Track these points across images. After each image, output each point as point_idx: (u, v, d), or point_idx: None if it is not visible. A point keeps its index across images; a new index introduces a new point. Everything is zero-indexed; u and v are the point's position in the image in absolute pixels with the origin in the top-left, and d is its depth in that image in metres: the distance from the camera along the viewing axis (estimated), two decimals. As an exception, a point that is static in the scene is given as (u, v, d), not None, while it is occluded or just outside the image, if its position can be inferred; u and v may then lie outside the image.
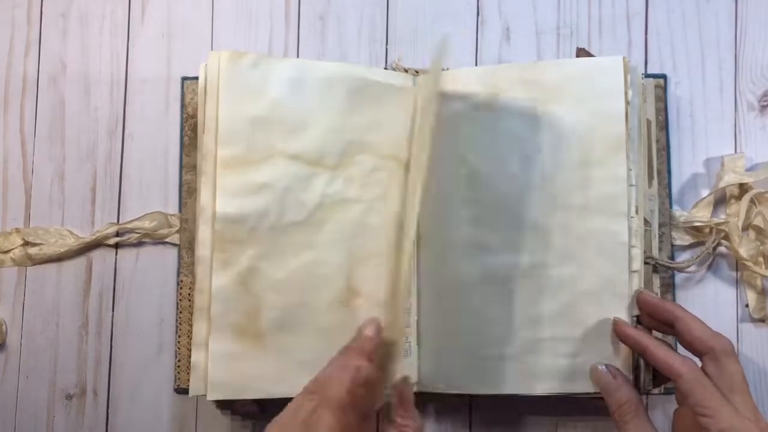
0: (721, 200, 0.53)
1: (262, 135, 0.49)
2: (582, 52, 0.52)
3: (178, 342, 0.53)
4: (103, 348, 0.55)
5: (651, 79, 0.53)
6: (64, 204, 0.56)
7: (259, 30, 0.57)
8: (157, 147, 0.56)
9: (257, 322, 0.48)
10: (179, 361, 0.53)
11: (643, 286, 0.47)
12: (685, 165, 0.54)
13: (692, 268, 0.52)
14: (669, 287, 0.52)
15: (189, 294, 0.53)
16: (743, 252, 0.51)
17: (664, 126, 0.53)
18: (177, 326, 0.53)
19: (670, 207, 0.52)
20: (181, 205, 0.54)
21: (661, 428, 0.49)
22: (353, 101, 0.50)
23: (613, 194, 0.47)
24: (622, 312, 0.46)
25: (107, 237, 0.55)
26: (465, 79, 0.50)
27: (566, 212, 0.48)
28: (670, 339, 0.49)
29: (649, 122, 0.51)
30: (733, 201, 0.53)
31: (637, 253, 0.47)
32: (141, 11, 0.58)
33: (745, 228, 0.52)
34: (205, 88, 0.49)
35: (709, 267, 0.53)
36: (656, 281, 0.51)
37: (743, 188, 0.52)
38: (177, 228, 0.55)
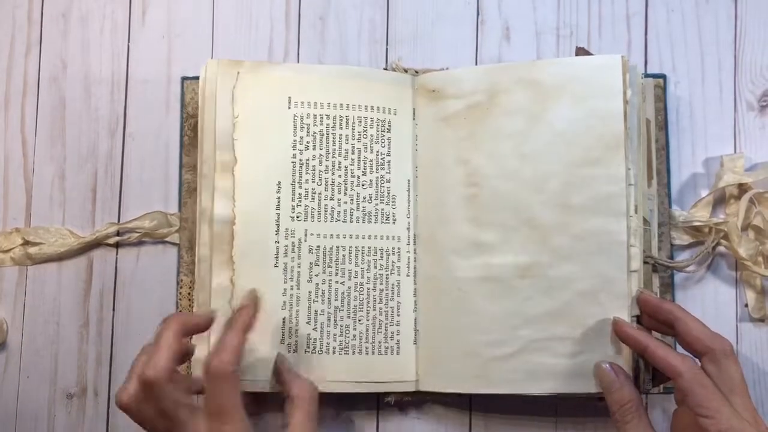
0: (720, 200, 0.53)
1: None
2: (581, 52, 0.52)
3: (178, 341, 0.53)
4: (103, 347, 0.55)
5: (650, 79, 0.53)
6: (65, 203, 0.56)
7: (259, 30, 0.57)
8: (157, 147, 0.56)
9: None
10: (179, 360, 0.53)
11: (642, 285, 0.47)
12: (685, 165, 0.54)
13: (691, 268, 0.52)
14: (668, 287, 0.52)
15: (189, 293, 0.53)
16: (742, 252, 0.51)
17: (663, 126, 0.53)
18: (177, 326, 0.53)
19: (670, 207, 0.52)
20: (181, 204, 0.54)
21: (660, 428, 0.49)
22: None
23: (611, 193, 0.47)
24: (622, 311, 0.47)
25: (107, 236, 0.55)
26: (465, 78, 0.50)
27: (565, 211, 0.48)
28: (668, 339, 0.49)
29: (648, 122, 0.51)
30: (732, 201, 0.53)
31: (637, 253, 0.47)
32: (141, 11, 0.58)
33: (745, 228, 0.52)
34: (204, 93, 0.50)
35: (709, 267, 0.53)
36: (655, 281, 0.51)
37: (742, 188, 0.52)
38: (177, 227, 0.55)
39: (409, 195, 0.51)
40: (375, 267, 0.50)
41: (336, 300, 0.50)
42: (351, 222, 0.50)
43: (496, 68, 0.50)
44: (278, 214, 0.50)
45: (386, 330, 0.50)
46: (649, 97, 0.52)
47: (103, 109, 0.57)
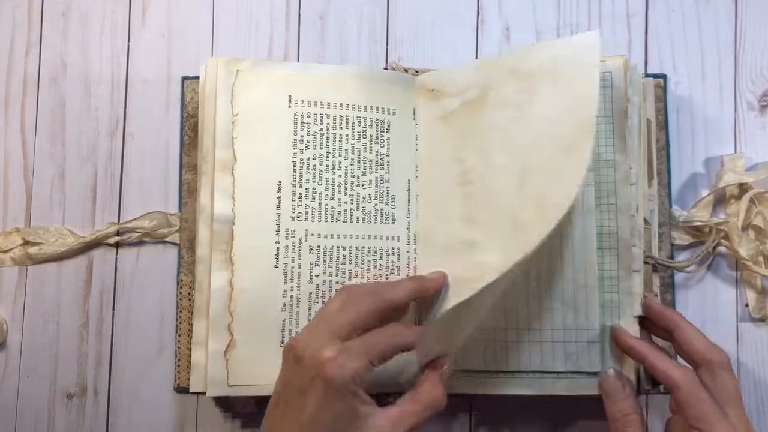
0: (720, 200, 0.53)
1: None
2: (582, 52, 0.52)
3: (178, 341, 0.53)
4: (103, 347, 0.55)
5: (651, 79, 0.53)
6: (65, 203, 0.56)
7: (259, 30, 0.57)
8: (157, 147, 0.56)
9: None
10: (179, 360, 0.53)
11: (642, 285, 0.47)
12: (685, 165, 0.54)
13: (692, 268, 0.52)
14: (669, 287, 0.52)
15: (189, 293, 0.53)
16: (743, 252, 0.51)
17: (663, 126, 0.53)
18: (177, 326, 0.53)
19: (670, 207, 0.52)
20: (181, 204, 0.54)
21: (658, 428, 0.49)
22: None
23: (581, 184, 0.43)
24: (624, 312, 0.47)
25: (107, 236, 0.55)
26: (459, 75, 0.50)
27: (543, 208, 0.47)
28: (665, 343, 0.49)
29: (649, 122, 0.51)
30: (732, 201, 0.53)
31: (638, 253, 0.47)
32: (141, 11, 0.58)
33: (745, 228, 0.52)
34: (204, 91, 0.50)
35: (709, 267, 0.53)
36: (656, 281, 0.51)
37: (743, 188, 0.52)
38: (177, 227, 0.55)
39: (409, 195, 0.51)
40: (375, 267, 0.50)
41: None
42: (351, 222, 0.50)
43: (487, 63, 0.50)
44: (278, 214, 0.49)
45: None
46: (649, 97, 0.52)
47: (103, 109, 0.57)
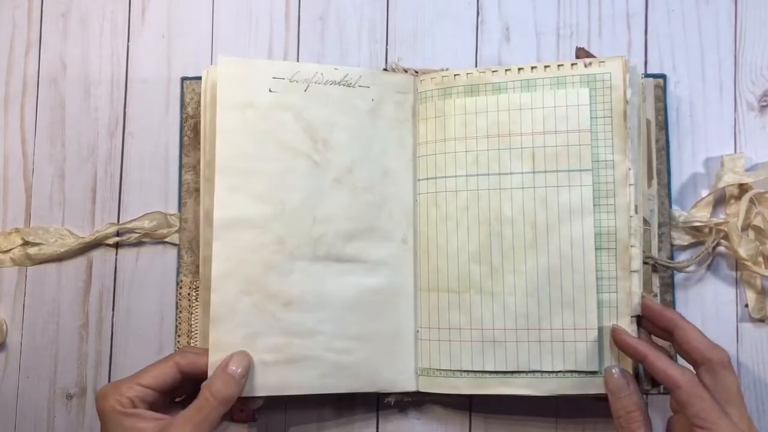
0: (720, 200, 0.53)
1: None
2: (582, 52, 0.52)
3: (178, 341, 0.53)
4: (103, 348, 0.55)
5: (651, 79, 0.53)
6: (65, 204, 0.56)
7: (259, 30, 0.57)
8: (157, 147, 0.56)
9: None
10: (179, 360, 0.53)
11: (642, 285, 0.47)
12: (685, 165, 0.54)
13: (692, 268, 0.52)
14: (668, 287, 0.52)
15: (189, 293, 0.53)
16: (743, 252, 0.51)
17: (663, 126, 0.53)
18: (177, 326, 0.53)
19: (670, 207, 0.52)
20: (181, 204, 0.54)
21: (660, 427, 0.49)
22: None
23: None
24: (622, 311, 0.47)
25: (107, 237, 0.55)
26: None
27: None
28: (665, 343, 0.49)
29: (648, 122, 0.51)
30: (732, 201, 0.53)
31: (637, 253, 0.47)
32: (141, 11, 0.58)
33: (745, 228, 0.52)
34: (206, 97, 0.50)
35: (709, 267, 0.53)
36: (656, 281, 0.51)
37: (743, 188, 0.52)
38: (177, 228, 0.55)
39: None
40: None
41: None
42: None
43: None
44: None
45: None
46: (649, 97, 0.52)
47: (103, 109, 0.57)
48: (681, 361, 0.45)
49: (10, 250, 0.56)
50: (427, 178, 0.51)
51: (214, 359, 0.46)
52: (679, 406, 0.42)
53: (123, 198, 0.56)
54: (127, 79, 0.57)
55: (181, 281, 0.53)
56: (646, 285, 0.49)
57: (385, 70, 0.54)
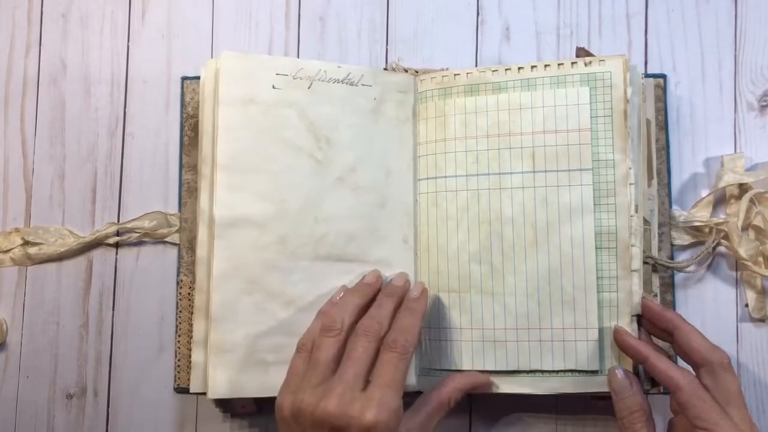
0: (720, 200, 0.53)
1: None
2: (582, 52, 0.52)
3: (178, 341, 0.53)
4: (103, 347, 0.55)
5: (651, 79, 0.53)
6: (65, 203, 0.56)
7: (259, 30, 0.57)
8: (157, 147, 0.56)
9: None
10: (179, 360, 0.53)
11: (642, 285, 0.47)
12: (685, 165, 0.54)
13: (692, 268, 0.52)
14: (668, 287, 0.52)
15: (189, 293, 0.53)
16: (743, 252, 0.51)
17: (663, 126, 0.53)
18: (177, 326, 0.53)
19: (670, 207, 0.52)
20: (181, 204, 0.54)
21: (660, 428, 0.49)
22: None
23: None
24: (622, 311, 0.47)
25: (107, 236, 0.55)
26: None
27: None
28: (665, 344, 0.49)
29: (648, 122, 0.51)
30: (732, 201, 0.53)
31: (637, 253, 0.47)
32: (141, 11, 0.58)
33: (745, 228, 0.52)
34: (204, 91, 0.50)
35: (709, 267, 0.53)
36: (656, 281, 0.51)
37: (743, 188, 0.52)
38: (177, 227, 0.55)
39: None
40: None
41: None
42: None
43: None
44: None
45: None
46: (649, 97, 0.52)
47: (103, 109, 0.57)
48: (681, 362, 0.45)
49: (10, 249, 0.56)
50: (428, 178, 0.51)
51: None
52: (680, 408, 0.42)
53: (123, 198, 0.56)
54: (127, 79, 0.57)
55: (181, 281, 0.53)
56: (646, 285, 0.49)
57: (386, 69, 0.54)
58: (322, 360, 0.42)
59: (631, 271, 0.47)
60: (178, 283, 0.54)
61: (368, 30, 0.57)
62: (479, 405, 0.53)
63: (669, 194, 0.52)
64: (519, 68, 0.50)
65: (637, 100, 0.49)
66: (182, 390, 0.52)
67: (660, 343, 0.47)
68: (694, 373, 0.43)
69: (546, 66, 0.49)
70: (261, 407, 0.53)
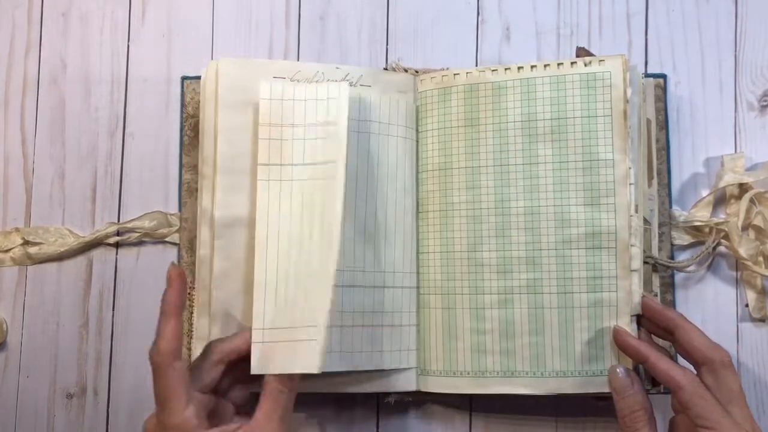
0: (721, 200, 0.53)
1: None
2: (582, 52, 0.52)
3: (178, 341, 0.53)
4: (103, 347, 0.55)
5: (651, 79, 0.53)
6: (65, 203, 0.56)
7: (259, 30, 0.57)
8: (157, 147, 0.56)
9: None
10: (179, 360, 0.53)
11: (642, 285, 0.47)
12: (685, 165, 0.54)
13: (692, 268, 0.52)
14: (669, 287, 0.52)
15: (189, 293, 0.53)
16: (743, 252, 0.51)
17: (664, 126, 0.53)
18: (177, 326, 0.53)
19: (670, 207, 0.52)
20: (181, 204, 0.54)
21: (661, 427, 0.49)
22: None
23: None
24: (621, 311, 0.47)
25: (107, 236, 0.55)
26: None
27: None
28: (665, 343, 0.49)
29: (649, 122, 0.51)
30: (732, 201, 0.53)
31: (637, 252, 0.47)
32: (141, 11, 0.58)
33: (745, 228, 0.52)
34: (205, 92, 0.50)
35: (709, 266, 0.53)
36: (656, 281, 0.51)
37: (743, 188, 0.52)
38: (177, 227, 0.55)
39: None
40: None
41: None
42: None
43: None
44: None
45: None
46: (649, 97, 0.52)
47: (103, 109, 0.57)
48: (681, 361, 0.45)
49: (11, 249, 0.56)
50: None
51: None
52: (681, 407, 0.42)
53: (123, 198, 0.56)
54: (127, 78, 0.57)
55: (182, 281, 0.53)
56: (647, 285, 0.49)
57: (386, 69, 0.54)
58: None
59: (631, 271, 0.47)
60: (178, 283, 0.54)
61: (368, 30, 0.57)
62: (480, 405, 0.53)
63: (669, 194, 0.52)
64: (519, 68, 0.50)
65: (637, 100, 0.49)
66: (182, 390, 0.52)
67: (660, 341, 0.47)
68: (694, 371, 0.43)
69: (546, 66, 0.50)
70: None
